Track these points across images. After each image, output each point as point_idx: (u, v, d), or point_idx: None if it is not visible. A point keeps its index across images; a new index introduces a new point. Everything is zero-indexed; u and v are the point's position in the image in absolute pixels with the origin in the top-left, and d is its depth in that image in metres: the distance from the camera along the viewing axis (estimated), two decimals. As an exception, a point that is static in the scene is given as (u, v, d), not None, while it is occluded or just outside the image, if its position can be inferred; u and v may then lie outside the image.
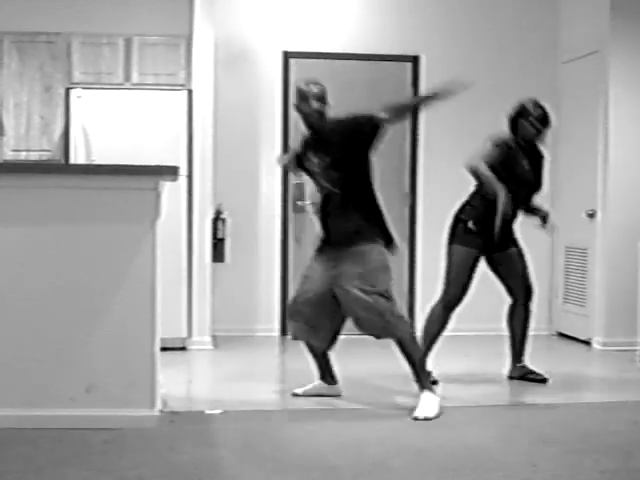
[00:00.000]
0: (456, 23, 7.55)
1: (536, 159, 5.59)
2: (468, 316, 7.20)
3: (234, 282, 7.23)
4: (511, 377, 5.56)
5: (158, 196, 4.23)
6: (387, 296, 4.58)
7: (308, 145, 4.83)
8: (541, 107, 5.45)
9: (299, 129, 7.31)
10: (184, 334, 6.51)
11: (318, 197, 4.81)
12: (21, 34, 6.70)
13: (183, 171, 6.31)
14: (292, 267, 7.39)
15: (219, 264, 6.86)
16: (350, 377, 5.60)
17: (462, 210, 5.43)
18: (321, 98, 4.70)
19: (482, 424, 4.41)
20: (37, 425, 4.06)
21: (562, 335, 7.46)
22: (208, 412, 4.57)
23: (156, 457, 3.74)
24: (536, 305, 7.49)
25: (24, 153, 6.69)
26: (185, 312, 6.52)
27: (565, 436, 4.18)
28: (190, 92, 6.57)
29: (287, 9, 7.39)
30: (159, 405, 4.30)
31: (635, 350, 6.23)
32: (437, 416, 4.44)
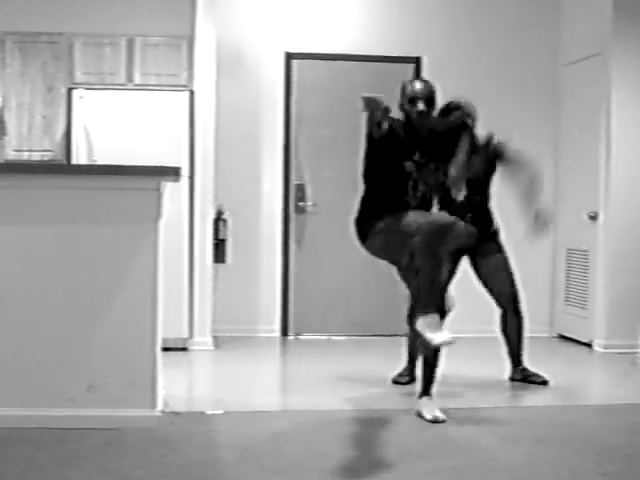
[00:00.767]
0: (458, 25, 7.55)
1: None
2: (469, 318, 7.21)
3: (235, 283, 7.23)
4: (512, 379, 5.57)
5: (160, 197, 4.23)
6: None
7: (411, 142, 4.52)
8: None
9: (300, 129, 7.36)
10: (185, 334, 6.51)
11: None
12: (23, 34, 6.70)
13: (185, 172, 6.30)
14: (293, 268, 7.39)
15: (220, 265, 6.86)
16: (351, 378, 5.61)
17: None
18: (429, 100, 4.53)
19: (483, 425, 4.41)
20: (38, 425, 4.06)
21: (563, 337, 7.46)
22: (209, 413, 4.57)
23: (157, 458, 3.74)
24: (537, 307, 7.57)
25: (26, 153, 6.70)
26: (186, 312, 6.51)
27: (566, 438, 4.18)
28: (192, 93, 6.58)
29: (289, 10, 7.40)
30: (160, 405, 4.30)
31: (636, 352, 6.23)
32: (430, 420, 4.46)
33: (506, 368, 5.64)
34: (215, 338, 6.70)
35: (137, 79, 6.77)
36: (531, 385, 5.45)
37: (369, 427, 4.35)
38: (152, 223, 4.21)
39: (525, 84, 7.56)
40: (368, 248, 4.55)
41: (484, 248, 5.48)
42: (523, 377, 5.52)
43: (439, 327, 4.15)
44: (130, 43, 6.77)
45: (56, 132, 6.71)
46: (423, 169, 4.49)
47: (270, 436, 4.15)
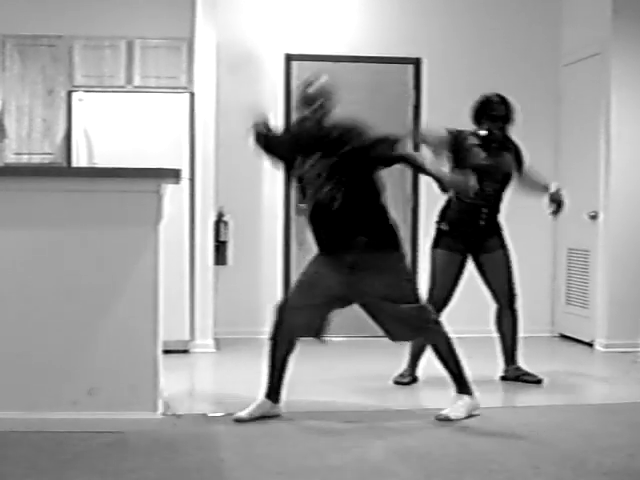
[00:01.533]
0: (458, 26, 7.55)
1: (502, 151, 5.52)
2: (470, 318, 7.21)
3: (236, 284, 7.23)
4: (504, 378, 5.57)
5: (160, 199, 4.23)
6: (417, 303, 4.51)
7: (303, 145, 4.55)
8: (505, 103, 5.53)
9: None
10: (187, 337, 6.51)
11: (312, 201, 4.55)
12: (23, 37, 6.71)
13: (185, 174, 6.29)
14: (294, 269, 7.38)
15: (221, 266, 6.86)
16: (352, 379, 5.60)
17: (439, 214, 5.53)
18: (330, 102, 4.57)
19: (485, 426, 4.41)
20: (39, 428, 4.06)
21: (564, 337, 7.45)
22: (210, 415, 4.57)
23: (158, 460, 3.74)
24: (538, 306, 7.58)
25: (26, 156, 6.70)
26: (187, 315, 6.51)
27: (567, 438, 4.18)
28: (192, 95, 6.58)
29: (289, 12, 7.40)
30: (161, 408, 4.30)
31: (637, 351, 6.23)
32: (462, 418, 4.46)
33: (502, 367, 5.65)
34: (216, 340, 6.69)
35: (137, 81, 6.77)
36: (529, 385, 5.45)
37: (370, 428, 4.35)
38: (153, 225, 4.21)
39: (525, 84, 7.55)
40: None
41: (489, 243, 5.49)
42: (516, 376, 5.53)
43: None
44: (130, 45, 6.78)
45: (56, 135, 6.71)
46: (306, 172, 4.51)
47: (271, 438, 4.15)
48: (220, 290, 6.87)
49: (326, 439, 4.13)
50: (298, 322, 4.57)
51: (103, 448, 3.88)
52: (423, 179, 7.50)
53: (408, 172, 7.44)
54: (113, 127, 6.43)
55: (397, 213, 7.35)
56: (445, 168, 5.12)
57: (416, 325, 4.51)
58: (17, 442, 3.93)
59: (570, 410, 4.84)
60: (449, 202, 5.46)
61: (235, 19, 7.26)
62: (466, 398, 4.56)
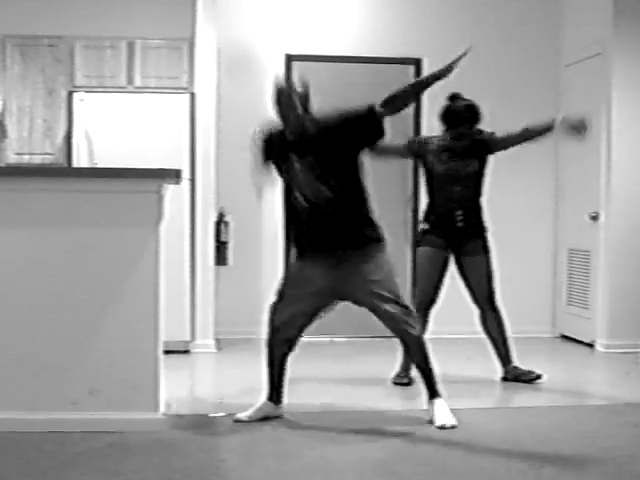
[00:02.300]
0: (458, 26, 7.54)
1: (467, 154, 5.53)
2: (471, 318, 7.21)
3: (237, 285, 7.23)
4: (505, 379, 5.57)
5: (161, 199, 4.23)
6: (401, 301, 4.46)
7: (284, 149, 4.48)
8: (465, 101, 5.60)
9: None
10: (187, 337, 6.51)
11: (299, 202, 4.42)
12: (24, 37, 6.71)
13: (186, 174, 6.30)
14: (295, 270, 7.38)
15: (222, 267, 6.86)
16: (353, 380, 5.61)
17: (423, 216, 5.62)
18: (305, 99, 4.43)
19: (485, 426, 4.41)
20: (40, 428, 4.06)
21: (565, 337, 7.45)
22: (212, 415, 4.57)
23: (159, 460, 3.74)
24: (539, 307, 7.58)
25: (27, 156, 6.71)
26: (188, 315, 6.51)
27: (568, 439, 4.18)
28: (193, 95, 6.58)
29: (290, 12, 7.40)
30: (162, 408, 4.29)
31: (638, 352, 6.22)
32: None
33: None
34: (217, 340, 6.70)
35: (138, 82, 6.77)
36: (526, 385, 5.46)
37: (370, 429, 4.35)
38: (153, 226, 4.21)
39: (526, 85, 7.56)
40: None
41: (470, 246, 5.49)
42: (515, 377, 5.53)
43: None
44: (130, 46, 6.78)
45: (57, 135, 6.72)
46: (294, 173, 4.44)
47: (273, 438, 4.15)
48: (221, 290, 6.87)
49: (326, 439, 4.13)
50: (287, 321, 4.52)
51: (104, 448, 3.88)
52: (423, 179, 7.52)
53: (409, 173, 7.45)
54: (114, 127, 6.44)
55: (398, 214, 7.43)
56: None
57: (396, 327, 4.44)
58: (18, 442, 3.93)
59: (571, 411, 4.84)
60: (431, 204, 5.54)
61: (236, 19, 7.26)
62: (441, 400, 4.51)
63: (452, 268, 5.60)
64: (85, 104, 6.43)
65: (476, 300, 5.58)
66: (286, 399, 4.59)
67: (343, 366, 6.10)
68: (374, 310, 4.45)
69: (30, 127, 6.72)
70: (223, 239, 6.88)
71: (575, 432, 4.32)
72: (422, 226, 5.58)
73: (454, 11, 7.58)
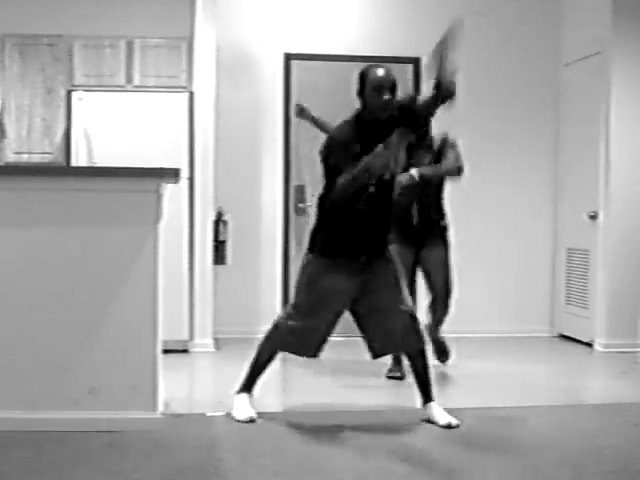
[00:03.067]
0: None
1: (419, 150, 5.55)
2: (471, 318, 7.21)
3: (236, 284, 7.23)
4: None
5: (160, 198, 4.23)
6: (412, 311, 4.50)
7: (362, 137, 4.27)
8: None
9: (300, 130, 7.36)
10: (186, 336, 6.51)
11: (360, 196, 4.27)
12: (23, 36, 6.71)
13: (184, 173, 6.30)
14: (293, 269, 7.38)
15: (221, 266, 6.86)
16: (350, 378, 5.61)
17: None
18: (393, 88, 4.28)
19: (484, 426, 4.41)
20: (40, 428, 4.06)
21: (564, 337, 7.46)
22: (210, 414, 4.57)
23: (158, 459, 3.74)
24: (538, 307, 7.58)
25: (26, 155, 6.70)
26: (187, 314, 6.51)
27: (567, 437, 4.18)
28: (191, 94, 6.58)
29: (288, 11, 7.40)
30: (161, 408, 4.30)
31: (637, 352, 6.23)
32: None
33: (506, 368, 5.65)
34: (216, 340, 6.69)
35: (136, 81, 6.77)
36: (526, 384, 5.47)
37: (369, 427, 4.35)
38: (152, 225, 4.20)
39: (526, 83, 7.56)
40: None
41: (429, 241, 5.61)
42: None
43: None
44: (129, 45, 6.77)
45: (56, 134, 6.71)
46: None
47: (271, 437, 4.15)
48: (219, 290, 6.87)
49: (325, 439, 4.13)
50: (299, 340, 4.54)
51: (103, 448, 3.88)
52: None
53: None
54: (113, 126, 6.43)
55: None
56: None
57: (407, 335, 4.44)
58: (18, 442, 3.93)
59: (569, 410, 4.84)
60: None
61: (235, 19, 7.26)
62: (436, 403, 4.51)
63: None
64: (84, 103, 6.43)
65: (433, 292, 5.74)
66: (284, 398, 4.59)
67: (341, 365, 6.10)
68: (384, 318, 4.43)
69: (29, 126, 6.71)
70: (222, 238, 6.88)
71: (574, 431, 4.32)
72: None
73: (453, 10, 7.56)
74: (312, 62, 7.41)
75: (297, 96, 7.37)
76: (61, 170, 5.28)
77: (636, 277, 6.68)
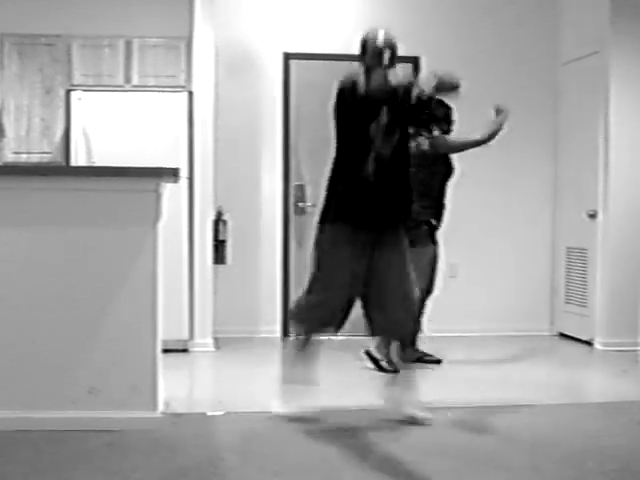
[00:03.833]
0: (456, 24, 7.55)
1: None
2: (470, 317, 7.21)
3: (235, 284, 7.23)
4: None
5: (159, 198, 4.23)
6: (413, 299, 4.45)
7: (364, 101, 4.33)
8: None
9: (299, 129, 7.36)
10: (186, 336, 6.50)
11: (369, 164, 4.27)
12: (21, 36, 6.70)
13: (184, 173, 6.30)
14: (293, 269, 7.39)
15: (220, 266, 6.86)
16: (350, 378, 5.60)
17: None
18: (393, 51, 4.42)
19: (484, 425, 4.41)
20: (39, 427, 4.06)
21: (564, 336, 7.46)
22: (210, 414, 4.57)
23: (158, 459, 3.73)
24: (537, 305, 7.58)
25: (25, 155, 6.70)
26: (187, 314, 6.51)
27: (567, 437, 4.18)
28: (191, 94, 6.57)
29: (287, 10, 7.40)
30: (161, 407, 4.29)
31: (637, 350, 6.23)
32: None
33: (507, 368, 5.64)
34: (216, 339, 6.69)
35: (135, 80, 6.76)
36: (525, 384, 5.47)
37: (369, 427, 4.34)
38: (151, 225, 4.20)
39: (524, 83, 7.56)
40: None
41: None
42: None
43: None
44: (128, 44, 6.77)
45: (55, 134, 6.71)
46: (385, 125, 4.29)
47: (271, 437, 4.15)
48: (219, 289, 6.87)
49: (325, 438, 4.12)
50: (320, 315, 4.46)
51: (103, 447, 3.88)
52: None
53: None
54: (112, 126, 6.43)
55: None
56: None
57: (407, 318, 4.42)
58: (17, 441, 3.93)
59: (570, 409, 4.84)
60: None
61: (233, 18, 7.26)
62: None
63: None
64: (83, 103, 6.43)
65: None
66: (285, 398, 4.58)
67: (342, 364, 6.10)
68: (384, 301, 4.38)
69: (28, 126, 6.71)
70: (221, 238, 6.88)
71: (575, 430, 4.32)
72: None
73: (452, 9, 7.58)
74: (311, 61, 7.40)
75: (296, 95, 7.38)
76: (60, 170, 5.27)
77: (635, 275, 6.68)
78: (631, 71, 6.81)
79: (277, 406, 4.49)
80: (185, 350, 6.45)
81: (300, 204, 7.38)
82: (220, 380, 5.86)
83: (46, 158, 6.70)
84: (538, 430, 4.31)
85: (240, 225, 7.15)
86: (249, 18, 7.34)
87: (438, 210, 5.83)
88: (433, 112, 5.57)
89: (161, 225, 4.26)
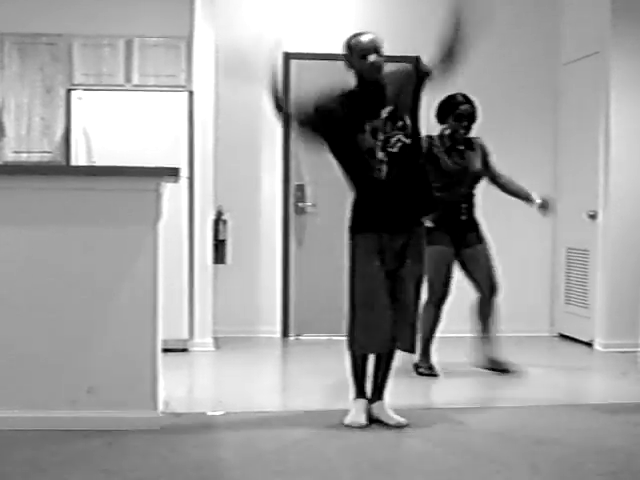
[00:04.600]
0: (457, 24, 7.54)
1: (467, 151, 5.71)
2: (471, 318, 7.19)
3: (235, 283, 7.23)
4: (476, 366, 5.71)
5: (159, 197, 4.22)
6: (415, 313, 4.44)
7: (363, 104, 4.37)
8: (469, 102, 5.68)
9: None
10: (186, 336, 6.50)
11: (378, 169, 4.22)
12: (22, 35, 6.70)
13: (184, 172, 6.29)
14: (293, 268, 7.38)
15: (220, 265, 6.86)
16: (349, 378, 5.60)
17: None
18: (379, 50, 4.37)
19: (484, 425, 4.40)
20: (39, 427, 4.06)
21: (564, 336, 7.45)
22: (210, 413, 4.56)
23: (158, 459, 3.73)
24: (538, 306, 7.57)
25: (25, 155, 6.69)
26: (187, 314, 6.51)
27: (566, 437, 4.18)
28: (191, 93, 6.57)
29: (288, 10, 7.39)
30: (161, 407, 4.29)
31: (637, 351, 6.22)
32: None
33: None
34: (216, 339, 6.69)
35: (136, 80, 6.76)
36: (525, 383, 5.47)
37: (370, 427, 4.34)
38: (152, 224, 4.20)
39: (525, 83, 7.56)
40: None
41: (468, 238, 5.68)
42: (487, 366, 5.68)
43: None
44: (129, 44, 6.77)
45: (55, 133, 6.71)
46: (379, 133, 4.26)
47: (271, 437, 4.14)
48: (219, 289, 6.87)
49: (325, 438, 4.12)
50: (376, 336, 4.31)
51: (102, 447, 3.88)
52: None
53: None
54: (112, 125, 6.43)
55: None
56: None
57: (411, 320, 4.41)
58: (17, 441, 3.93)
59: (569, 410, 4.83)
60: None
61: (234, 18, 7.25)
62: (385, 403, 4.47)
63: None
64: (83, 102, 6.42)
65: (479, 287, 5.70)
66: (285, 398, 4.58)
67: (342, 365, 6.10)
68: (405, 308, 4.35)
69: (28, 125, 6.71)
70: (221, 237, 6.88)
71: (574, 431, 4.32)
72: (426, 224, 5.59)
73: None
74: (311, 61, 7.40)
75: (296, 95, 7.36)
76: (60, 169, 5.28)
77: (636, 276, 6.67)
78: (631, 72, 6.80)
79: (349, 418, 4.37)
80: (185, 350, 6.45)
81: (300, 204, 7.38)
82: (220, 380, 5.86)
83: (46, 157, 6.70)
84: (537, 430, 4.31)
85: (240, 225, 7.15)
86: (249, 18, 7.33)
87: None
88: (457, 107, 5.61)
89: (161, 225, 4.25)
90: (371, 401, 4.44)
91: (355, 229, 4.33)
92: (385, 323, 4.25)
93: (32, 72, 6.70)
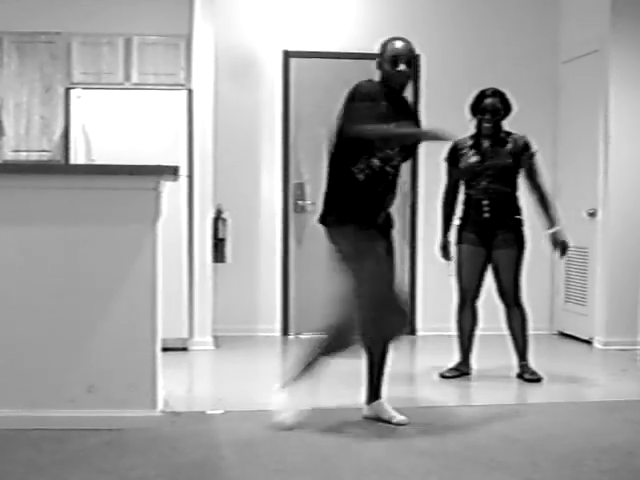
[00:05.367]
0: (456, 22, 7.54)
1: (495, 146, 5.63)
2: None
3: (235, 282, 7.22)
4: (520, 376, 5.58)
5: (158, 196, 4.22)
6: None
7: (394, 105, 4.31)
8: (497, 96, 5.69)
9: (299, 127, 7.35)
10: (185, 334, 6.50)
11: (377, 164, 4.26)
12: (21, 34, 6.69)
13: (183, 171, 6.30)
14: (293, 267, 7.38)
15: (220, 264, 6.85)
16: (350, 377, 5.60)
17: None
18: (410, 61, 4.34)
19: (484, 423, 4.40)
20: (38, 426, 4.06)
21: (563, 334, 7.46)
22: (209, 412, 4.57)
23: (157, 458, 3.73)
24: (537, 304, 7.57)
25: (24, 153, 6.69)
26: (186, 312, 6.51)
27: (566, 435, 4.18)
28: (190, 92, 6.57)
29: (287, 8, 7.39)
30: (160, 405, 4.29)
31: (636, 349, 6.22)
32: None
33: (507, 366, 5.64)
34: (215, 338, 6.69)
35: (135, 78, 6.76)
36: (531, 383, 5.46)
37: (369, 425, 4.34)
38: (151, 223, 4.20)
39: (524, 81, 7.55)
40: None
41: (499, 239, 5.51)
42: (519, 373, 5.55)
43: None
44: (128, 42, 6.76)
45: (54, 132, 6.70)
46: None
47: (270, 436, 4.14)
48: (219, 288, 6.86)
49: (325, 437, 4.12)
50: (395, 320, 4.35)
51: (102, 446, 3.88)
52: (422, 180, 7.52)
53: (406, 170, 7.44)
54: (111, 124, 6.42)
55: (397, 210, 7.41)
56: None
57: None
58: (16, 440, 3.93)
59: (569, 408, 4.84)
60: (465, 198, 5.63)
61: (233, 16, 7.25)
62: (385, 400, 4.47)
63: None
64: (82, 101, 6.42)
65: (502, 296, 5.59)
66: (285, 398, 4.57)
67: (342, 364, 6.09)
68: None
69: (27, 124, 6.70)
70: (221, 236, 6.88)
71: (574, 429, 4.32)
72: (454, 223, 5.68)
73: (452, 7, 7.57)
74: (311, 59, 7.40)
75: (296, 93, 7.37)
76: (59, 168, 5.28)
77: (635, 274, 6.67)
78: (631, 70, 6.80)
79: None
80: (184, 349, 6.45)
81: (300, 202, 7.37)
82: (219, 379, 5.86)
83: (45, 156, 6.70)
84: (537, 428, 4.31)
85: (240, 223, 7.15)
86: (249, 16, 7.33)
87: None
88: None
89: (160, 223, 4.25)
90: (369, 401, 4.43)
91: (354, 221, 4.28)
92: (401, 303, 4.40)
93: (31, 71, 6.70)
